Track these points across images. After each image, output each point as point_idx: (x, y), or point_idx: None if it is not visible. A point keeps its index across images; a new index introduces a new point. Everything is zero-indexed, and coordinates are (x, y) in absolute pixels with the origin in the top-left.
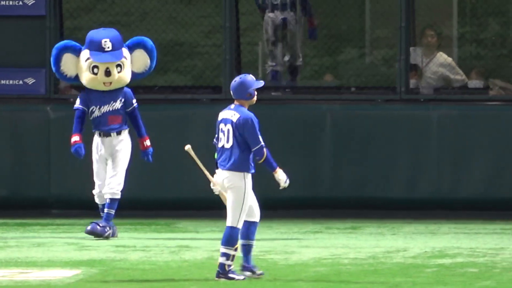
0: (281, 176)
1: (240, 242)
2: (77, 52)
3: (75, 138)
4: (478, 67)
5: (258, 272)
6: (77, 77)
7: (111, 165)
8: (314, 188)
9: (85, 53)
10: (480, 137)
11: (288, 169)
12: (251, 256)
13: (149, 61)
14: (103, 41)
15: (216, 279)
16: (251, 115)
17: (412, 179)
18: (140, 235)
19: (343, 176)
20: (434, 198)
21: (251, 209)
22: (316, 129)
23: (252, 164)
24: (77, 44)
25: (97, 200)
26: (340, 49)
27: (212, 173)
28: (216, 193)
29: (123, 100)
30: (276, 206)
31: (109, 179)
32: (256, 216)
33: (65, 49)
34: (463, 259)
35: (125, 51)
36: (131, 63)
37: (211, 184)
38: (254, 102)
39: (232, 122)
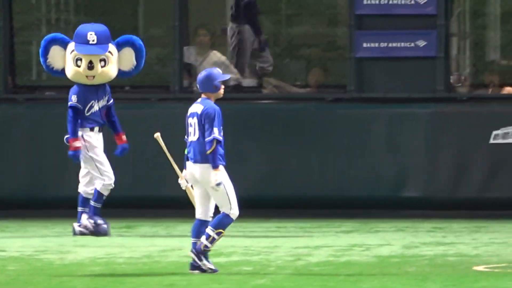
0: (217, 176)
1: (192, 240)
2: (65, 44)
3: (78, 143)
4: (252, 66)
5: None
6: (63, 70)
7: None
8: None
9: (71, 46)
10: (255, 135)
11: (60, 168)
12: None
13: (135, 60)
14: (88, 33)
15: (189, 254)
16: (216, 108)
17: None
18: None
19: (118, 175)
20: None
21: (207, 208)
22: None
23: (222, 157)
24: (66, 37)
25: (106, 192)
26: None
27: (181, 168)
28: (183, 188)
29: (107, 96)
30: (53, 205)
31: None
32: (209, 216)
33: (53, 41)
34: (238, 257)
35: (111, 47)
36: (119, 61)
37: (179, 179)
38: (221, 95)
39: (197, 115)
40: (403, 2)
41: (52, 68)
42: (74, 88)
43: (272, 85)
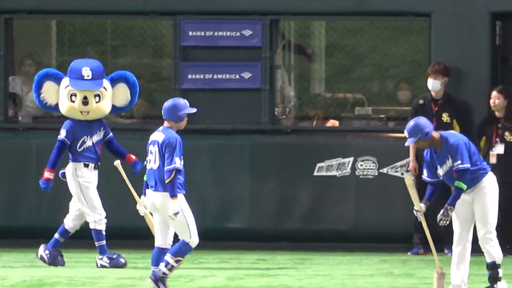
0: (174, 206)
1: (152, 268)
2: (58, 80)
3: (50, 174)
4: None
5: None
6: (57, 106)
7: None
8: None
9: (65, 81)
10: None
11: None
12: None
13: (129, 95)
14: (83, 69)
15: (149, 280)
16: (177, 137)
17: (11, 208)
18: None
19: None
20: (34, 226)
21: (167, 236)
22: None
23: (182, 186)
24: (60, 72)
25: (102, 227)
26: None
27: (139, 194)
28: (141, 214)
29: (103, 130)
30: None
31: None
32: (168, 244)
33: (47, 76)
34: (62, 287)
35: (106, 82)
36: (113, 96)
37: (137, 205)
38: (183, 127)
39: (158, 143)
40: (228, 34)
41: (46, 103)
42: (66, 123)
43: None
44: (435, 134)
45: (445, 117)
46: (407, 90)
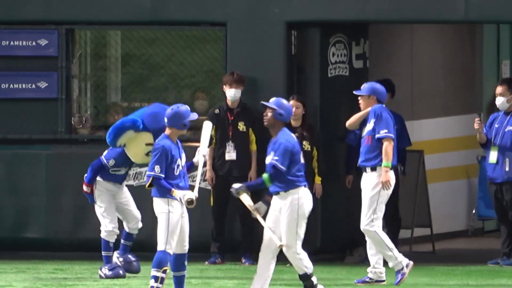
0: (179, 194)
1: (172, 273)
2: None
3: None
4: None
5: None
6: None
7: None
8: None
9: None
10: None
11: None
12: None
13: None
14: None
15: None
16: (163, 143)
17: None
18: None
19: None
20: None
21: (182, 239)
22: None
23: (166, 189)
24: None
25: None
26: None
27: None
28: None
29: None
30: None
31: None
32: (185, 248)
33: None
34: None
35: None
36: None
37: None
38: (184, 133)
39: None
40: (24, 43)
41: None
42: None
43: None
44: (281, 125)
45: (241, 126)
46: (203, 99)
